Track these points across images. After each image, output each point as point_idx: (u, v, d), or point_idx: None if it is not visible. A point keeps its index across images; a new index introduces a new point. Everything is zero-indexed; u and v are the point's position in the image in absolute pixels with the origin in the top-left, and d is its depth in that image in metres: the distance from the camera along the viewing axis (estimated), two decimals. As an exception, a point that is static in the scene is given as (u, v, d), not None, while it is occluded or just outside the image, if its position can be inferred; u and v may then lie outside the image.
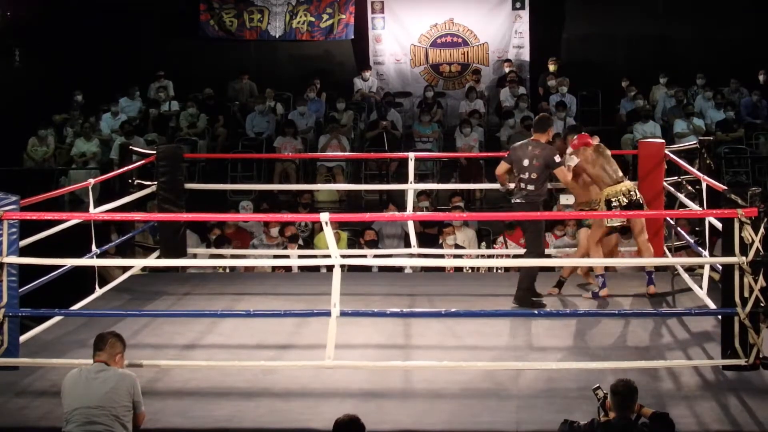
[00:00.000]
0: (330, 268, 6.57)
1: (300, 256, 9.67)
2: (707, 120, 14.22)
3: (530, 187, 7.68)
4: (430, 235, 11.06)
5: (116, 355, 4.98)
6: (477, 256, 10.08)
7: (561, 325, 7.22)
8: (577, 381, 5.98)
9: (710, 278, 7.50)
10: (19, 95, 15.03)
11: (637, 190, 7.96)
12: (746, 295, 5.91)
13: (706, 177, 7.67)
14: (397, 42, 16.44)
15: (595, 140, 8.07)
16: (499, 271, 9.99)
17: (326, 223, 6.20)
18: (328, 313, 6.19)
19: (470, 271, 9.93)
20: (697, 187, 8.02)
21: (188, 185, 9.48)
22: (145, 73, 15.79)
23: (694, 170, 8.08)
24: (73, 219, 7.53)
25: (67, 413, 4.83)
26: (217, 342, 7.02)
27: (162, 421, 5.53)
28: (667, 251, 8.83)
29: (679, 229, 8.74)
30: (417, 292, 8.38)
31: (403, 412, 5.67)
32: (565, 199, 11.39)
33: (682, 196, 8.46)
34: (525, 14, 16.16)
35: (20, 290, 6.37)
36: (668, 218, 8.80)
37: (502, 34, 16.29)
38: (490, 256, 9.95)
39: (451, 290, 8.43)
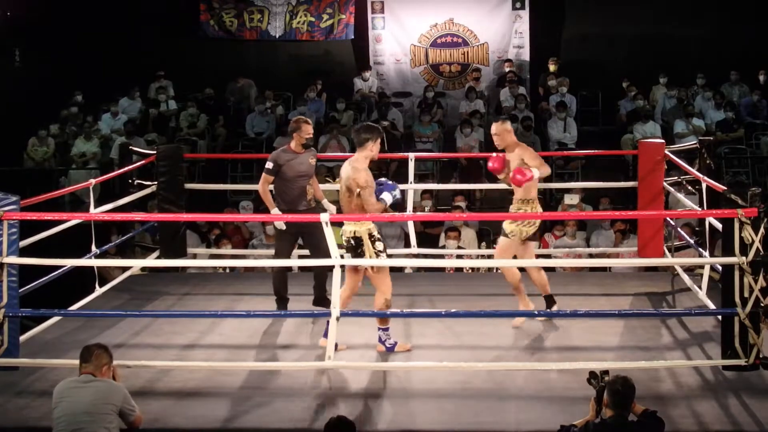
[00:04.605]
0: (330, 268, 6.56)
1: (300, 256, 9.66)
2: (707, 120, 14.22)
3: None
4: (430, 235, 11.07)
5: (102, 367, 4.95)
6: (477, 256, 10.08)
7: (561, 325, 7.22)
8: (576, 381, 5.98)
9: (710, 278, 7.51)
10: (19, 95, 15.04)
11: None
12: (746, 295, 5.91)
13: (706, 177, 7.67)
14: (397, 42, 16.44)
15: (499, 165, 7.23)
16: (499, 271, 9.98)
17: (326, 223, 6.20)
18: (328, 314, 6.20)
19: (470, 271, 9.93)
20: (697, 187, 8.01)
21: (188, 185, 9.48)
22: (145, 73, 15.79)
23: (694, 170, 8.08)
24: (73, 219, 7.53)
25: (54, 419, 4.84)
26: (217, 342, 7.02)
27: (162, 421, 5.53)
28: (666, 251, 8.83)
29: (678, 229, 8.74)
30: (417, 292, 8.37)
31: (403, 412, 5.67)
32: (569, 199, 11.44)
33: (681, 196, 8.47)
34: (525, 14, 16.15)
35: (20, 290, 6.37)
36: (668, 218, 8.80)
37: (502, 34, 16.28)
38: (490, 256, 9.94)
39: (451, 290, 8.43)
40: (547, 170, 7.22)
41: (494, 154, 7.32)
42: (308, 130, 7.47)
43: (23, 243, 6.53)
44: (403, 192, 9.05)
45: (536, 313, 7.31)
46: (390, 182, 6.79)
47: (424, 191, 11.68)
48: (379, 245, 6.50)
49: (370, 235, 6.47)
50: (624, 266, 9.93)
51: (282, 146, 7.74)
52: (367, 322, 7.05)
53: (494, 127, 7.28)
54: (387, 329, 6.67)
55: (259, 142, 14.37)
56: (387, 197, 6.59)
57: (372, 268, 6.54)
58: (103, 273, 8.83)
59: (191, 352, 6.81)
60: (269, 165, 7.41)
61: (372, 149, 6.57)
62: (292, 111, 15.02)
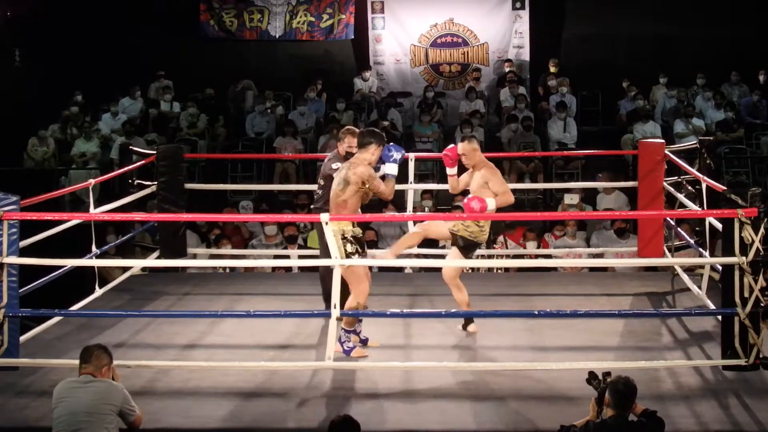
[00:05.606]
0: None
1: (300, 257, 9.67)
2: (707, 120, 14.22)
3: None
4: (430, 235, 11.05)
5: (102, 368, 4.95)
6: (477, 256, 10.06)
7: (561, 325, 7.21)
8: (576, 381, 5.97)
9: (710, 278, 7.51)
10: (19, 95, 15.03)
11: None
12: (746, 295, 5.92)
13: (706, 177, 7.67)
14: (397, 42, 16.44)
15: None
16: (499, 271, 9.99)
17: (326, 223, 6.21)
18: (328, 314, 6.21)
19: (470, 271, 9.92)
20: (697, 187, 8.02)
21: (188, 185, 9.48)
22: (145, 73, 15.79)
23: (694, 170, 8.08)
24: (73, 219, 7.53)
25: (54, 419, 4.84)
26: (217, 342, 7.02)
27: (162, 421, 5.52)
28: (666, 251, 8.83)
29: (679, 229, 8.74)
30: (417, 292, 8.38)
31: (403, 412, 5.67)
32: (569, 199, 11.43)
33: (681, 196, 8.46)
34: (525, 14, 16.15)
35: (20, 290, 6.37)
36: (668, 218, 8.79)
37: (502, 34, 16.29)
38: (490, 256, 9.94)
39: (451, 290, 8.42)
40: (510, 199, 7.04)
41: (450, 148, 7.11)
42: (350, 143, 7.14)
43: (23, 243, 6.53)
44: (403, 192, 9.07)
45: (536, 313, 7.31)
46: (389, 146, 6.64)
47: (424, 191, 11.68)
48: (351, 248, 6.42)
49: (343, 236, 6.41)
50: (624, 266, 9.93)
51: (330, 151, 7.62)
52: (367, 321, 7.05)
53: (460, 147, 7.08)
54: (350, 332, 6.58)
55: (259, 142, 14.37)
56: (391, 169, 6.56)
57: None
58: (103, 273, 8.83)
59: (191, 352, 6.81)
60: (335, 165, 7.19)
61: (373, 153, 6.54)
62: (292, 111, 15.03)
